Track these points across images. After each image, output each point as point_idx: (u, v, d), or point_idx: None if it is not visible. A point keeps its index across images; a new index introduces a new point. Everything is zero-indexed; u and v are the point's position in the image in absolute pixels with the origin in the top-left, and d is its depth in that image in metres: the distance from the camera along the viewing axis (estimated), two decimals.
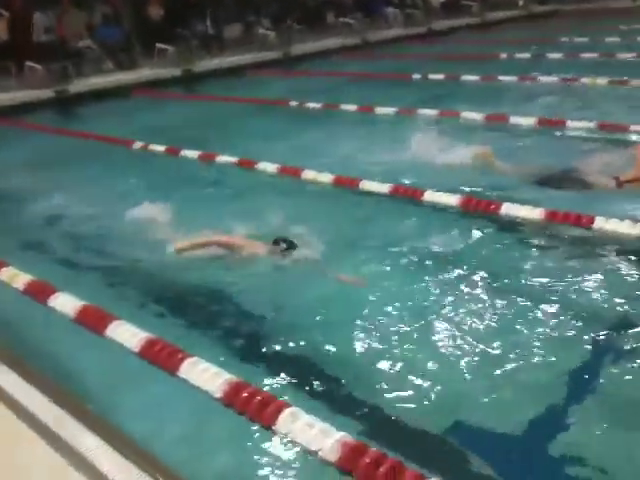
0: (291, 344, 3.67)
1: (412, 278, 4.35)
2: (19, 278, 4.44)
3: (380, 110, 9.28)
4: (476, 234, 4.94)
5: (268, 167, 6.96)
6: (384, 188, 5.93)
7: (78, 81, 12.95)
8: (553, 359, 3.39)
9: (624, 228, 4.66)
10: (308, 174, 6.54)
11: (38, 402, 2.93)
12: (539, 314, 3.78)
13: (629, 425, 2.91)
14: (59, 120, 11.63)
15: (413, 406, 3.12)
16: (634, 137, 6.94)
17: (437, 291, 4.14)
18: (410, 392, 3.21)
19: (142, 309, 4.27)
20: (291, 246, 4.54)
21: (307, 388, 3.31)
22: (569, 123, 7.55)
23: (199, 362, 3.28)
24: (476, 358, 3.42)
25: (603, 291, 3.97)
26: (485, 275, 4.24)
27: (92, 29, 14.64)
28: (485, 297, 4.01)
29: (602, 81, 9.61)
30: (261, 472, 2.79)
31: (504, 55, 13.40)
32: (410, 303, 4.01)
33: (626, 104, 8.36)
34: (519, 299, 3.95)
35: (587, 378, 3.27)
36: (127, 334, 3.62)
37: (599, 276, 4.13)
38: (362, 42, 17.01)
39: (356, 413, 3.09)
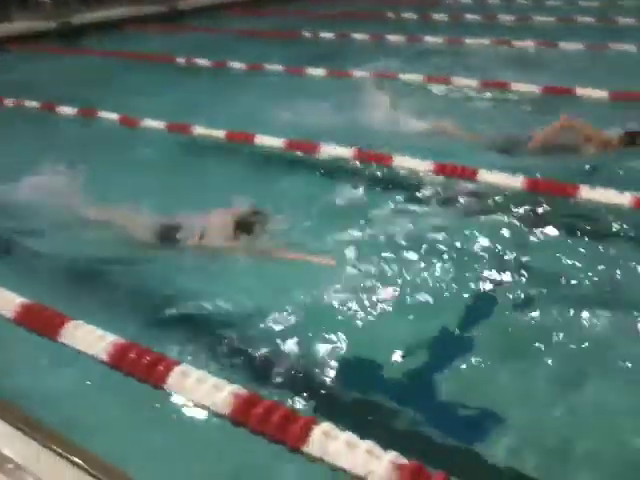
0: (178, 307, 3.58)
1: None
2: None
3: (270, 68, 9.12)
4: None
5: (154, 124, 6.69)
6: (278, 142, 5.87)
7: None
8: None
9: None
10: (199, 130, 6.35)
11: None
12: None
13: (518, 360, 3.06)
14: None
15: (298, 353, 3.15)
16: (515, 96, 7.24)
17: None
18: (294, 341, 3.23)
19: (25, 277, 4.01)
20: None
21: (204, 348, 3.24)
22: (454, 80, 7.75)
23: (82, 325, 3.12)
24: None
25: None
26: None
27: None
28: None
29: (485, 41, 9.91)
30: (157, 433, 2.71)
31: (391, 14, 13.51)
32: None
33: (507, 63, 8.68)
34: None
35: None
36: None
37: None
38: None
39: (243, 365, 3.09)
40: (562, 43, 9.46)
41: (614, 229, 4.31)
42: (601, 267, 3.78)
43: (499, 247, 4.08)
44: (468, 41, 10.03)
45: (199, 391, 2.69)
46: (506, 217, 4.45)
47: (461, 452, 2.58)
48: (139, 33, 13.09)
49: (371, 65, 8.57)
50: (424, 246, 4.09)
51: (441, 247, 4.09)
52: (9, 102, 7.84)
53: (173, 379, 2.78)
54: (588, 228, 4.31)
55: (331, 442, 2.37)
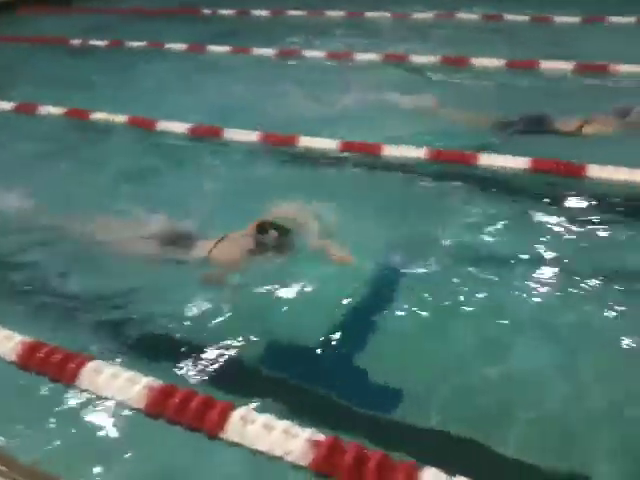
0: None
1: None
2: None
3: (171, 46, 8.89)
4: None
5: (53, 110, 6.44)
6: (183, 128, 5.77)
7: None
8: None
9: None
10: (98, 115, 6.16)
11: None
12: None
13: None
14: None
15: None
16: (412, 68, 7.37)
17: None
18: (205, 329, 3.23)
19: None
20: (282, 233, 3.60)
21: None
22: (356, 55, 7.80)
23: None
24: None
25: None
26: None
27: None
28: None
29: (386, 14, 9.99)
30: (68, 430, 2.66)
31: None
32: None
33: (411, 36, 8.76)
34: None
35: None
36: None
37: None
38: None
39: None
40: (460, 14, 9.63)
41: None
42: None
43: None
44: (369, 14, 10.09)
45: (113, 386, 2.67)
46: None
47: (378, 422, 2.66)
48: (30, 16, 12.41)
49: (274, 42, 8.50)
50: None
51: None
52: None
53: (85, 376, 2.74)
54: None
55: (249, 426, 2.41)
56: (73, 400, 2.76)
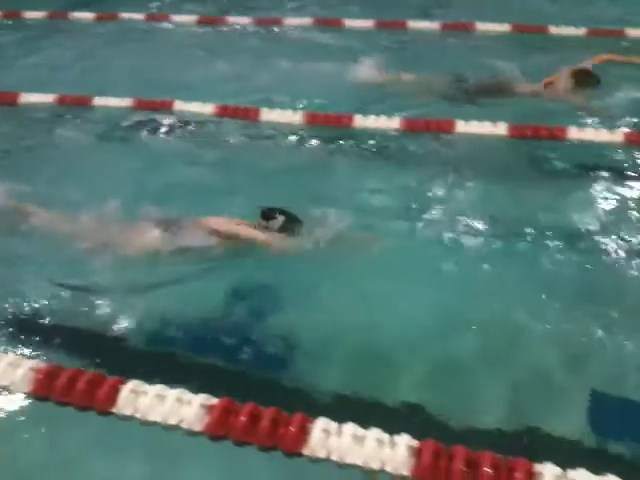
0: None
1: None
2: None
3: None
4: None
5: None
6: (124, 102, 5.45)
7: None
8: None
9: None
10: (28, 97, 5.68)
11: None
12: None
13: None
14: None
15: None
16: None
17: None
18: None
19: None
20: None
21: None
22: (285, 21, 7.46)
23: None
24: None
25: None
26: None
27: None
28: None
29: None
30: None
31: None
32: None
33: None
34: None
35: None
36: None
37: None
38: None
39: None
40: None
41: None
42: None
43: None
44: None
45: None
46: None
47: (269, 383, 2.70)
48: None
49: (144, 6, 8.14)
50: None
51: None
52: None
53: None
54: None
55: (140, 398, 2.39)
56: None
